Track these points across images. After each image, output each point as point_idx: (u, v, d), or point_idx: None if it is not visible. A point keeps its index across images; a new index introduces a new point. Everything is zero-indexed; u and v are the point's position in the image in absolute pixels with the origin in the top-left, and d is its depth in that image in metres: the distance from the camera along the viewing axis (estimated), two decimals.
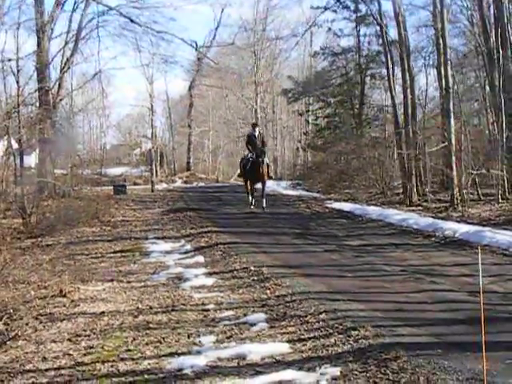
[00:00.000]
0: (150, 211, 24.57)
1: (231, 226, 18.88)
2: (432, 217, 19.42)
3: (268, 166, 23.11)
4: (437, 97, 28.76)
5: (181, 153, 55.75)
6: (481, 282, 5.11)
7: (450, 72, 22.90)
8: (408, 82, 25.67)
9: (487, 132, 27.51)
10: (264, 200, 22.60)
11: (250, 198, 23.11)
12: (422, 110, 29.06)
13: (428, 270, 11.79)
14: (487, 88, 24.80)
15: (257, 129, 23.74)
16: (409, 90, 25.67)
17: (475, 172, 22.09)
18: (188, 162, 52.95)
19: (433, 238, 15.80)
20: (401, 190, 26.29)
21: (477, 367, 6.33)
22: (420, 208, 22.51)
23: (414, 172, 25.05)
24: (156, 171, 42.07)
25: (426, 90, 30.67)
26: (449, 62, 23.10)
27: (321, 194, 30.33)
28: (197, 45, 44.98)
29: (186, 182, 46.54)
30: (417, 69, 30.79)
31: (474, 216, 19.30)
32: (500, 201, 21.50)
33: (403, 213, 20.90)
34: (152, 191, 35.39)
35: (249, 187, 23.27)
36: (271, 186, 35.15)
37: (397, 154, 26.96)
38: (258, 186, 23.50)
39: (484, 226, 16.77)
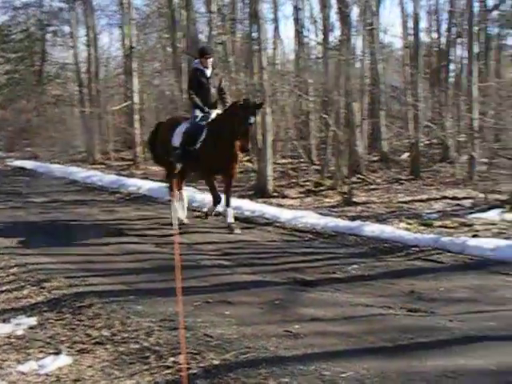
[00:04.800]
0: None
1: None
2: (116, 174, 19.65)
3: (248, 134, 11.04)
4: (120, 56, 28.91)
5: None
6: (176, 234, 5.39)
7: (134, 32, 23.19)
8: (92, 40, 25.54)
9: (168, 92, 28.24)
10: (230, 211, 11.53)
11: (214, 208, 11.92)
12: (106, 68, 29.13)
13: (115, 225, 12.04)
14: (169, 49, 25.41)
15: (209, 62, 11.69)
16: (92, 49, 25.55)
17: None
18: None
19: (118, 195, 16.05)
20: (83, 149, 26.16)
21: (167, 310, 6.76)
22: (103, 166, 22.63)
23: (96, 130, 25.03)
24: None
25: (110, 48, 30.68)
26: (133, 22, 23.37)
27: (1, 151, 29.26)
28: None
29: None
30: (100, 27, 30.69)
31: (157, 173, 19.84)
32: None
33: (87, 170, 20.91)
34: None
35: (177, 190, 12.16)
36: None
37: (80, 113, 26.76)
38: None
39: (166, 182, 17.36)
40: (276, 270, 8.60)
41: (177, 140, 11.66)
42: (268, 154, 14.96)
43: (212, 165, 11.20)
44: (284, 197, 14.77)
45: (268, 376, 5.08)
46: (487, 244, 9.36)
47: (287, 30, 79.83)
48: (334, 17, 19.43)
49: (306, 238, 10.65)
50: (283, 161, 18.59)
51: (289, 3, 46.58)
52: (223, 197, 11.48)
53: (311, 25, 23.62)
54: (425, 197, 14.42)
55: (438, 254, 9.26)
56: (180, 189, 12.20)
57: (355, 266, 8.69)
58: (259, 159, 15.47)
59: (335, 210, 13.17)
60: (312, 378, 5.03)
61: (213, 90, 11.73)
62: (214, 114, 11.57)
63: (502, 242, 9.47)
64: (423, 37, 23.90)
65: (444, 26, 23.17)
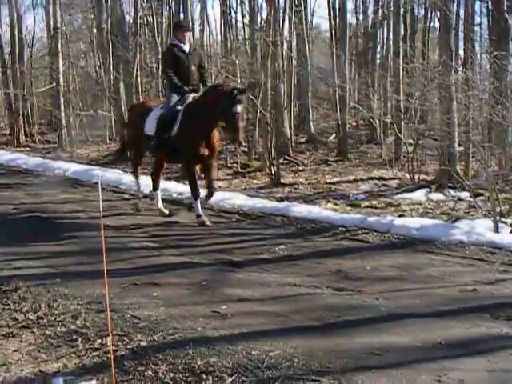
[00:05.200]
0: None
1: None
2: (41, 157, 19.29)
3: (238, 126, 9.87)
4: (45, 37, 28.34)
5: None
6: (101, 216, 5.32)
7: (58, 12, 22.73)
8: (15, 20, 24.93)
9: (94, 74, 27.88)
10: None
11: (198, 200, 10.36)
12: (30, 49, 28.50)
13: (41, 208, 11.77)
14: (94, 30, 25.02)
15: (187, 36, 10.66)
16: (16, 29, 24.94)
17: (83, 113, 22.39)
18: None
19: (43, 178, 15.73)
20: (8, 131, 25.62)
21: (95, 292, 6.69)
22: (28, 149, 22.21)
23: (21, 112, 24.55)
24: None
25: (34, 29, 29.95)
26: (58, 2, 22.88)
27: None
28: None
29: None
30: (25, 7, 30.02)
31: (83, 156, 19.64)
32: (108, 142, 22.10)
33: (12, 153, 20.47)
34: None
35: (158, 176, 11.36)
36: None
37: (4, 95, 26.18)
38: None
39: (93, 165, 17.21)
40: (203, 251, 8.60)
41: (150, 127, 10.50)
42: None
43: (191, 153, 10.04)
44: None
45: (195, 356, 5.07)
46: (413, 223, 9.55)
47: (215, 11, 79.56)
48: None
49: (234, 220, 10.68)
50: None
51: None
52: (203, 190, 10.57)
53: (238, 5, 23.55)
54: (352, 178, 14.60)
55: (364, 233, 9.40)
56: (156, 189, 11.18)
57: (283, 247, 8.75)
58: None
59: (263, 191, 13.24)
60: (240, 358, 5.04)
61: (193, 68, 10.43)
62: (190, 97, 10.31)
63: (427, 222, 9.68)
64: (350, 18, 24.20)
65: (371, 8, 23.48)
